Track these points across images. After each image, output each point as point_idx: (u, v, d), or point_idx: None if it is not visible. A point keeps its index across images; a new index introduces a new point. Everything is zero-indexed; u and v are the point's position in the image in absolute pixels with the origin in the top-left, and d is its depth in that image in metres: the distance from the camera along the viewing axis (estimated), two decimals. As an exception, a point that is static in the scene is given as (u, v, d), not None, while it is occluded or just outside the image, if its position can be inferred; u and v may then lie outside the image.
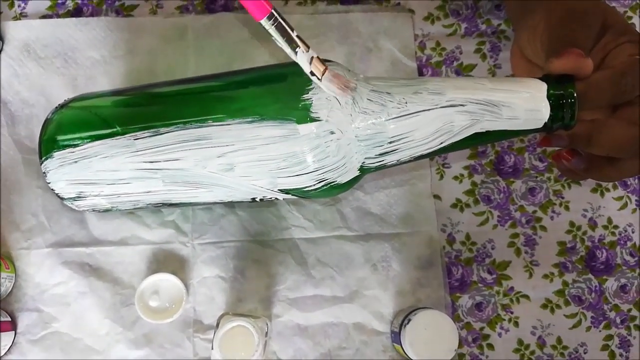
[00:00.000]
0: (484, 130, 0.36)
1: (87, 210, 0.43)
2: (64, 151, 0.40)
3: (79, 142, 0.40)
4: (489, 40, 0.53)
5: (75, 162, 0.40)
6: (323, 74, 0.34)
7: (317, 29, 0.52)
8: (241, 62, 0.52)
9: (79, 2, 0.53)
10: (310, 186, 0.37)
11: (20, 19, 0.52)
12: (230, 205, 0.49)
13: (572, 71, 0.34)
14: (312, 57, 0.34)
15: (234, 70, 0.42)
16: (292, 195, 0.39)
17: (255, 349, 0.39)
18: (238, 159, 0.37)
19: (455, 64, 0.53)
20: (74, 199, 0.42)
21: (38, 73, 0.51)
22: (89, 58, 0.51)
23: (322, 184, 0.37)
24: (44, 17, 0.53)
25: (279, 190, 0.38)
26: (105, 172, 0.40)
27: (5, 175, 0.49)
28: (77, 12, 0.53)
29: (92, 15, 0.53)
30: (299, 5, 0.53)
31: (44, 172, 0.41)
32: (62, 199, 0.42)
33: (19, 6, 0.53)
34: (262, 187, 0.38)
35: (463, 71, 0.53)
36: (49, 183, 0.41)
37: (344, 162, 0.37)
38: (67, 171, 0.40)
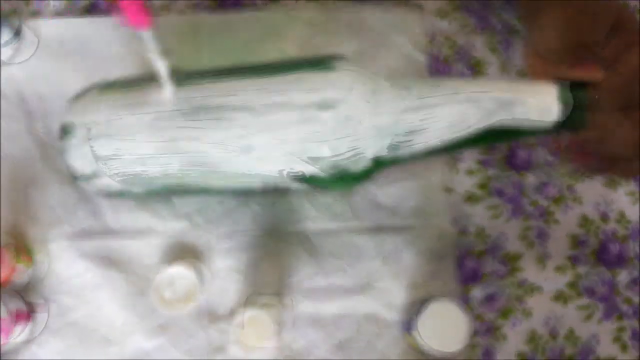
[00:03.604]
0: (496, 126, 0.37)
1: (98, 191, 0.43)
2: (86, 127, 0.41)
3: (101, 119, 0.41)
4: (500, 35, 0.53)
5: (97, 138, 0.41)
6: None
7: (327, 25, 0.53)
8: (254, 60, 0.52)
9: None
10: (324, 172, 0.38)
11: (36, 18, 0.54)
12: (244, 198, 0.50)
13: (584, 80, 0.36)
14: None
15: (250, 63, 0.43)
16: (305, 182, 0.39)
17: (274, 334, 0.40)
18: (257, 140, 0.38)
19: (466, 58, 0.53)
20: (88, 176, 0.42)
21: (54, 70, 0.52)
22: (105, 55, 0.52)
23: (336, 170, 0.38)
24: (60, 14, 0.54)
25: (292, 175, 0.39)
26: (125, 148, 0.40)
27: (24, 170, 0.50)
28: (92, 9, 0.54)
29: (107, 12, 0.54)
30: (310, 1, 0.54)
31: (64, 148, 0.42)
32: (76, 177, 0.43)
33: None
34: (276, 172, 0.39)
35: (474, 66, 0.53)
36: (67, 159, 0.42)
37: (359, 149, 0.37)
38: (87, 146, 0.41)
